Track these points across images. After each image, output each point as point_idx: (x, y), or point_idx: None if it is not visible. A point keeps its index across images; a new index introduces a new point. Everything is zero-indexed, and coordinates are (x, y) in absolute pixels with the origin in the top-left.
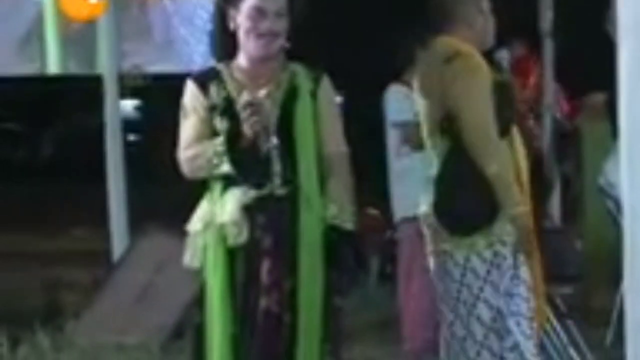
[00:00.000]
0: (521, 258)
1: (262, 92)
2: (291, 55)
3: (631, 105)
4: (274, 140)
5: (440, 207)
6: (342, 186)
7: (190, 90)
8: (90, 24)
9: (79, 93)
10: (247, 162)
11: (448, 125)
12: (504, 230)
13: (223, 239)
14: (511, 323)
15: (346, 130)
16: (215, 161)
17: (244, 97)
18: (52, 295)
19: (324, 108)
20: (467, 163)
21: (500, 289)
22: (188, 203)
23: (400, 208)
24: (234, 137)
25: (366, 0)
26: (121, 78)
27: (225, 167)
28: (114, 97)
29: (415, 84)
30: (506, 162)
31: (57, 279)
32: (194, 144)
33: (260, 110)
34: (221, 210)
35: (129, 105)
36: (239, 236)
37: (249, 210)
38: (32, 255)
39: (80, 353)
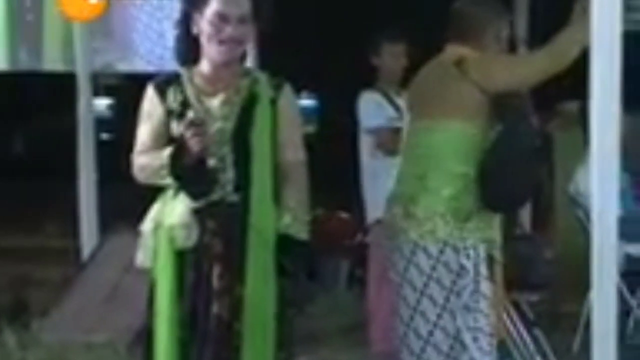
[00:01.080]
0: (484, 272)
1: (215, 102)
2: (264, 61)
3: (602, 114)
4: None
5: (491, 184)
6: (297, 195)
7: (149, 95)
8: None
9: (52, 91)
10: (189, 177)
11: (495, 110)
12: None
13: (172, 240)
14: (467, 338)
15: (320, 133)
16: (162, 172)
17: (188, 116)
18: (20, 293)
19: (283, 116)
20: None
21: (461, 300)
22: None
23: (373, 210)
24: (178, 151)
25: (342, 5)
26: (95, 77)
27: (169, 180)
28: (87, 96)
29: (413, 88)
30: None
31: (25, 276)
32: (146, 151)
33: (203, 131)
34: (171, 211)
35: (102, 103)
36: (187, 239)
37: (199, 214)
38: (1, 251)
39: (47, 351)
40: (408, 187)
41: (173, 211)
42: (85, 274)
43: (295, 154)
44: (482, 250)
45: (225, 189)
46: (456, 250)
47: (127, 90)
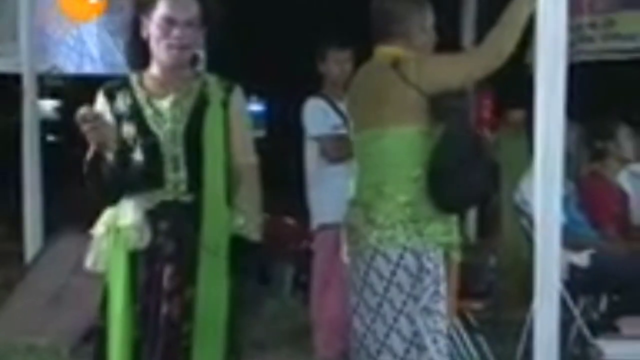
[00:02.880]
0: (443, 274)
1: (165, 103)
2: (213, 65)
3: (547, 122)
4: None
5: (439, 185)
6: (250, 197)
7: (99, 100)
8: None
9: None
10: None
11: (434, 109)
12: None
13: (125, 242)
14: (428, 340)
15: (268, 138)
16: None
17: (80, 111)
18: None
19: (234, 118)
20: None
21: (420, 303)
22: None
23: (318, 215)
24: (95, 156)
25: (291, 9)
26: (41, 78)
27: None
28: (33, 97)
29: (352, 93)
30: None
31: None
32: None
33: (96, 124)
34: (124, 213)
35: (48, 105)
36: (140, 240)
37: (152, 215)
38: None
39: None
40: (366, 195)
41: (125, 213)
42: (28, 276)
43: (246, 156)
44: (441, 253)
45: (177, 190)
46: (416, 254)
47: (73, 92)
